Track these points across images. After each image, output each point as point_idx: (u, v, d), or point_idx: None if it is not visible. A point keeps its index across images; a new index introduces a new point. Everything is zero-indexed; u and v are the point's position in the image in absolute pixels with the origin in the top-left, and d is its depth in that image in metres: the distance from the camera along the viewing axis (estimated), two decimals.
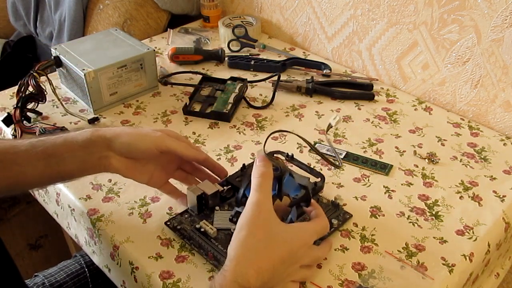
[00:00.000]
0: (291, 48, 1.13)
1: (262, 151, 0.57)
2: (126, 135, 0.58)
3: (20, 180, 0.59)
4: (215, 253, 0.59)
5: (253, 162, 0.69)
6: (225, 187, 0.65)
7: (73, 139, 0.58)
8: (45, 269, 0.86)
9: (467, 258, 0.61)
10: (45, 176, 0.59)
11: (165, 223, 0.65)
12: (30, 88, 0.85)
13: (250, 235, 0.49)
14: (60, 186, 0.74)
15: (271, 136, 0.71)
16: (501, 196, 0.71)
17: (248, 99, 0.93)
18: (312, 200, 0.60)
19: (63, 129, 0.83)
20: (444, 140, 0.82)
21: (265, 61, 1.04)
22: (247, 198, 0.53)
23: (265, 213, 0.51)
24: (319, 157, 0.78)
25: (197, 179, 0.67)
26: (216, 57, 1.06)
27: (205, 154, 0.64)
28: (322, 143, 0.82)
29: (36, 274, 0.84)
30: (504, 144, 0.82)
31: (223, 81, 0.95)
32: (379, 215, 0.67)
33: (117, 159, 0.59)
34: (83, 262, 0.86)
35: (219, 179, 0.66)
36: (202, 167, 0.67)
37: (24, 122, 0.84)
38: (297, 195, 0.59)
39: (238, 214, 0.54)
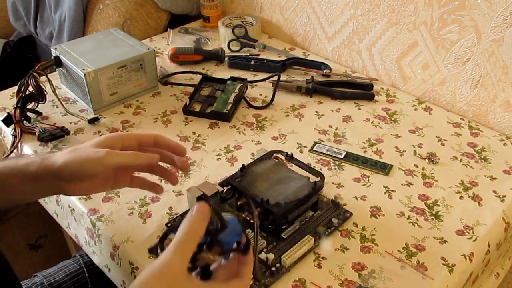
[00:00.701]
0: (291, 48, 1.13)
1: (199, 202, 0.49)
2: (71, 163, 0.55)
3: None
4: None
5: (254, 161, 0.70)
6: (224, 188, 0.65)
7: (22, 171, 0.57)
8: (45, 269, 0.86)
9: (467, 258, 0.61)
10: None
11: (166, 224, 0.65)
12: (30, 88, 0.85)
13: None
14: None
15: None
16: (501, 196, 0.71)
17: (248, 99, 0.93)
18: (249, 255, 0.51)
19: (63, 129, 0.83)
20: (444, 140, 0.82)
21: (265, 61, 1.04)
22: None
23: (172, 277, 0.44)
24: (319, 157, 0.78)
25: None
26: (216, 57, 1.06)
27: (155, 156, 0.58)
28: (322, 143, 0.82)
29: (35, 274, 0.84)
30: (504, 144, 0.82)
31: (223, 81, 0.95)
32: (379, 215, 0.67)
33: (70, 187, 0.57)
34: (82, 262, 0.85)
35: (178, 169, 0.63)
36: (162, 151, 0.62)
37: (24, 122, 0.84)
38: (235, 243, 0.50)
39: (155, 250, 0.49)
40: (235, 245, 0.50)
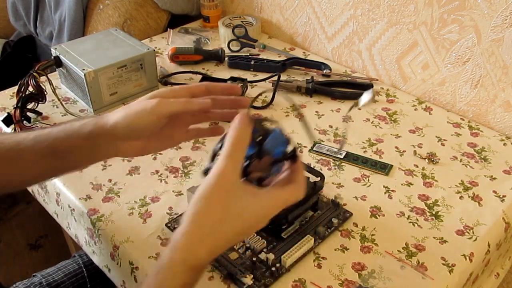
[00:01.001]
0: (291, 48, 1.13)
1: (246, 110, 0.50)
2: (124, 118, 0.55)
3: (25, 177, 0.58)
4: None
5: None
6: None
7: (77, 133, 0.56)
8: (44, 269, 0.86)
9: (467, 258, 0.61)
10: (52, 170, 0.58)
11: (166, 224, 0.65)
12: (30, 88, 0.85)
13: (207, 211, 0.44)
14: (60, 186, 0.74)
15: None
16: (501, 196, 0.71)
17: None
18: (299, 161, 0.52)
19: None
20: (444, 140, 0.82)
21: (265, 61, 1.04)
22: None
23: (227, 186, 0.45)
24: (319, 157, 0.78)
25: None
26: (216, 57, 1.06)
27: (207, 101, 0.57)
28: (322, 143, 0.82)
29: (34, 274, 0.85)
30: (504, 144, 0.82)
31: (223, 81, 0.95)
32: (379, 215, 0.67)
33: (127, 146, 0.56)
34: (81, 262, 0.86)
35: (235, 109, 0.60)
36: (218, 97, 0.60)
37: (24, 122, 0.84)
38: (282, 152, 0.52)
39: (209, 170, 0.48)
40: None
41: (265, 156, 0.51)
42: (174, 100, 0.56)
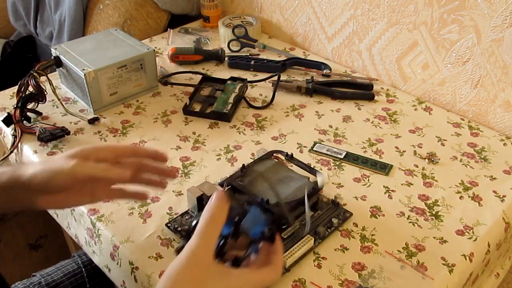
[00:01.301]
0: (291, 48, 1.13)
1: (220, 187, 0.50)
2: (40, 174, 0.54)
3: None
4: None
5: (254, 161, 0.70)
6: (224, 188, 0.65)
7: None
8: (43, 269, 0.86)
9: (467, 258, 0.61)
10: None
11: (166, 224, 0.65)
12: (30, 88, 0.85)
13: None
14: None
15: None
16: (501, 196, 0.71)
17: (248, 99, 0.93)
18: (277, 241, 0.52)
19: (63, 129, 0.83)
20: (444, 140, 0.82)
21: (265, 61, 1.04)
22: None
23: (200, 266, 0.44)
24: (319, 157, 0.78)
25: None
26: (216, 57, 1.06)
27: (127, 173, 0.55)
28: (322, 143, 0.82)
29: (34, 274, 0.85)
30: (504, 144, 0.82)
31: (223, 81, 0.95)
32: (379, 215, 0.67)
33: (42, 199, 0.56)
34: (80, 262, 0.85)
35: (164, 178, 0.60)
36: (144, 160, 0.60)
37: (24, 122, 0.84)
38: (260, 232, 0.51)
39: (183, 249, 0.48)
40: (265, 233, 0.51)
41: (242, 235, 0.50)
42: (92, 166, 0.54)
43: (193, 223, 0.49)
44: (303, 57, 1.08)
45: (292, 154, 0.71)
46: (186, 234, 0.50)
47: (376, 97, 0.94)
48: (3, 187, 0.55)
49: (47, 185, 0.54)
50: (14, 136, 0.83)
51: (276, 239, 0.52)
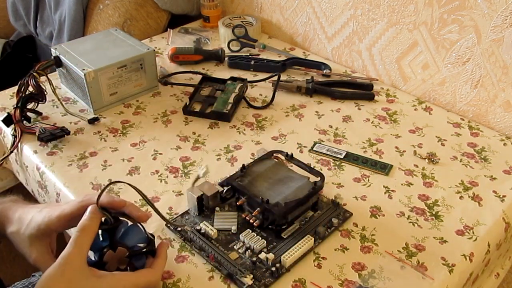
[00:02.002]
0: (291, 48, 1.13)
1: (95, 203, 0.53)
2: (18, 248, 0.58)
3: None
4: (216, 254, 0.59)
5: (254, 161, 0.70)
6: (224, 188, 0.66)
7: None
8: None
9: (467, 258, 0.61)
10: None
11: (166, 224, 0.65)
12: (30, 88, 0.85)
13: None
14: (60, 186, 0.74)
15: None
16: (501, 196, 0.71)
17: (248, 99, 0.93)
18: (160, 250, 0.56)
19: (63, 129, 0.83)
20: (444, 140, 0.82)
21: (265, 61, 1.04)
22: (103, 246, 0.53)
23: (71, 270, 0.47)
24: (319, 157, 0.78)
25: None
26: (216, 57, 1.06)
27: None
28: (322, 143, 0.82)
29: (33, 274, 0.84)
30: (504, 144, 0.82)
31: (223, 81, 0.95)
32: (379, 215, 0.67)
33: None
34: None
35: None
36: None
37: (24, 122, 0.84)
38: (140, 247, 0.55)
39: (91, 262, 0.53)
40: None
41: (120, 247, 0.54)
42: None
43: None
44: (303, 57, 1.08)
45: (292, 154, 0.71)
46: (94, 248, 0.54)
47: (376, 97, 0.94)
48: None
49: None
50: (14, 136, 0.83)
51: (160, 245, 0.56)
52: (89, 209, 0.52)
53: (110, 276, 0.50)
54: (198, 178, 0.67)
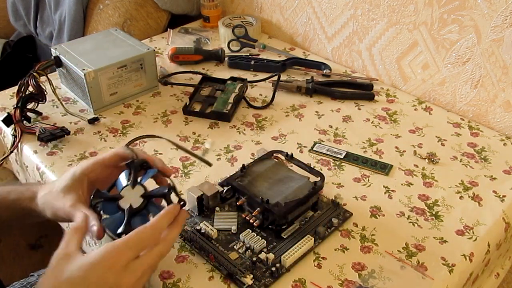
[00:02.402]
0: (291, 48, 1.13)
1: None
2: (46, 211, 0.59)
3: None
4: (216, 254, 0.59)
5: (254, 161, 0.70)
6: (224, 188, 0.66)
7: (12, 206, 0.61)
8: (41, 269, 0.86)
9: (467, 258, 0.61)
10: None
11: None
12: (30, 88, 0.85)
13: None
14: None
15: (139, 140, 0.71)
16: (501, 196, 0.71)
17: (248, 99, 0.93)
18: (179, 219, 0.53)
19: (63, 129, 0.83)
20: (444, 140, 0.82)
21: (265, 61, 1.04)
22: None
23: (58, 264, 0.48)
24: (319, 157, 0.78)
25: None
26: (216, 57, 1.06)
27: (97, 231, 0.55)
28: (322, 143, 0.82)
29: (31, 274, 0.84)
30: (504, 144, 0.82)
31: (223, 81, 0.95)
32: (379, 215, 0.67)
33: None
34: None
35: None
36: None
37: (24, 122, 0.84)
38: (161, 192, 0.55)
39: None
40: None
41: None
42: (81, 212, 0.56)
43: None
44: (303, 57, 1.08)
45: (292, 154, 0.71)
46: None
47: (376, 97, 0.94)
48: (22, 214, 0.61)
49: (53, 218, 0.60)
50: (14, 136, 0.83)
51: (180, 213, 0.54)
52: (79, 215, 0.53)
53: (96, 251, 0.49)
54: (206, 150, 0.68)
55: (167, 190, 0.54)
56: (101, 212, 0.55)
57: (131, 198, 0.53)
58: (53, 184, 0.59)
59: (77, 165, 0.59)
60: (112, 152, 0.59)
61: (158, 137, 0.59)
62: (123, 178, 0.56)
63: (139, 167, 0.56)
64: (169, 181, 0.58)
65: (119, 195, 0.54)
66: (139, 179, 0.56)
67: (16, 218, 0.63)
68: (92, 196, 0.55)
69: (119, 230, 0.51)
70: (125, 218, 0.52)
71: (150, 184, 0.56)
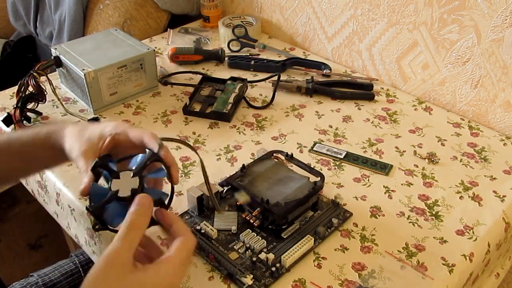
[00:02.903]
0: (291, 48, 1.13)
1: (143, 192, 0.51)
2: (73, 151, 0.57)
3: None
4: (216, 254, 0.59)
5: (254, 161, 0.70)
6: (224, 188, 0.65)
7: (43, 142, 0.60)
8: (41, 269, 0.86)
9: (467, 258, 0.61)
10: (21, 171, 0.65)
11: None
12: (30, 88, 0.85)
13: None
14: (60, 186, 0.74)
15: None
16: (501, 196, 0.71)
17: (248, 99, 0.93)
18: (168, 214, 0.51)
19: None
20: (444, 140, 0.82)
21: (265, 61, 1.04)
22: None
23: (117, 268, 0.43)
24: (319, 157, 0.78)
25: None
26: (216, 57, 1.06)
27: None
28: (322, 143, 0.82)
29: (31, 274, 0.85)
30: (504, 144, 0.82)
31: (223, 81, 0.95)
32: (379, 215, 0.67)
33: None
34: (78, 262, 0.85)
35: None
36: None
37: (24, 122, 0.84)
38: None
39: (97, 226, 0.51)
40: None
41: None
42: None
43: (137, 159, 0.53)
44: (303, 57, 1.08)
45: (292, 154, 0.71)
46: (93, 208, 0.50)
47: (376, 97, 0.94)
48: (51, 147, 0.59)
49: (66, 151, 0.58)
50: None
51: (168, 215, 0.51)
52: (137, 201, 0.48)
53: (154, 267, 0.46)
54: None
55: (160, 197, 0.52)
56: (102, 174, 0.53)
57: (123, 184, 0.51)
58: (85, 124, 0.59)
59: (112, 122, 0.59)
60: (143, 133, 0.58)
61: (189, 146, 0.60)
62: (137, 159, 0.54)
63: (154, 159, 0.53)
64: (164, 189, 0.56)
65: (118, 174, 0.52)
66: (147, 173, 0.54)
67: (44, 153, 0.61)
68: (99, 157, 0.53)
69: (90, 207, 0.50)
70: (105, 199, 0.50)
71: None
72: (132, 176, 0.51)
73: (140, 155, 0.54)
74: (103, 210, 0.50)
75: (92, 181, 0.52)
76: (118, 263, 0.43)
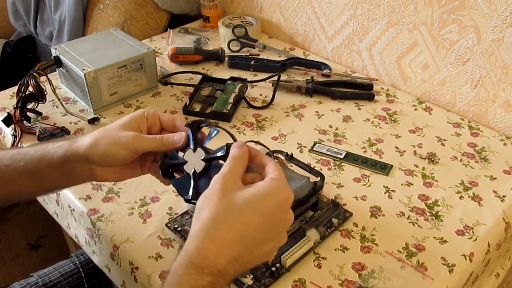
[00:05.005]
0: (291, 48, 1.13)
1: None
2: (98, 146, 0.54)
3: (4, 192, 0.58)
4: None
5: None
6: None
7: (50, 155, 0.56)
8: (41, 269, 0.86)
9: (467, 258, 0.61)
10: (31, 190, 0.59)
11: (166, 224, 0.65)
12: (30, 88, 0.85)
13: (211, 209, 0.44)
14: None
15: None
16: (501, 196, 0.71)
17: (248, 99, 0.93)
18: (261, 155, 0.52)
19: (63, 129, 0.83)
20: (444, 140, 0.82)
21: (265, 61, 1.04)
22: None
23: (226, 185, 0.46)
24: (319, 157, 0.78)
25: None
26: (216, 57, 1.06)
27: (182, 142, 0.56)
28: (322, 143, 0.82)
29: (31, 274, 0.84)
30: (504, 144, 0.82)
31: (223, 81, 0.95)
32: (379, 215, 0.67)
33: (101, 170, 0.56)
34: (78, 262, 0.85)
35: None
36: None
37: (24, 122, 0.84)
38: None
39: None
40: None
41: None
42: (149, 139, 0.55)
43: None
44: (303, 57, 1.08)
45: (292, 154, 0.71)
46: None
47: (376, 97, 0.94)
48: (61, 161, 0.55)
49: (106, 158, 0.54)
50: (14, 136, 0.83)
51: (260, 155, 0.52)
52: (238, 143, 0.52)
53: (265, 183, 0.47)
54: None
55: (224, 153, 0.53)
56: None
57: (194, 162, 0.54)
58: (105, 127, 0.56)
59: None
60: (174, 117, 0.58)
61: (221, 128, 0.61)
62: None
63: (197, 128, 0.58)
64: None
65: (184, 160, 0.54)
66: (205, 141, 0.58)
67: (54, 169, 0.56)
68: (160, 162, 0.55)
69: (189, 196, 0.52)
70: (192, 183, 0.52)
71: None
72: (194, 151, 0.56)
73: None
74: (199, 191, 0.51)
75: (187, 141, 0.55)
76: (228, 181, 0.46)
